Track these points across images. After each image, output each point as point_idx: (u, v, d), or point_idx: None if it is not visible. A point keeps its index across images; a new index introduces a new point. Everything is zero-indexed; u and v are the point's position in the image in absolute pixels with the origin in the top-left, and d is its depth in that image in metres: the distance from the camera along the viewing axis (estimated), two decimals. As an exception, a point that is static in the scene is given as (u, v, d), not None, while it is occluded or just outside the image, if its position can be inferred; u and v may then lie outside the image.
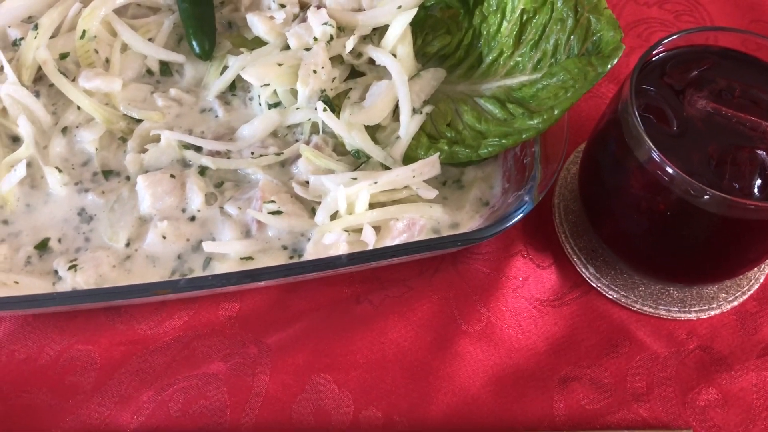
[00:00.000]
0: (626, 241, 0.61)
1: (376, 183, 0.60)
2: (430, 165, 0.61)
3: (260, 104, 0.67)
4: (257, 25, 0.68)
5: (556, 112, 0.58)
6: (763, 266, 0.66)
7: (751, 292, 0.65)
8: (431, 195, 0.61)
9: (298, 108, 0.66)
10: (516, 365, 0.61)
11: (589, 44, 0.60)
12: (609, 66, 0.57)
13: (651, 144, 0.52)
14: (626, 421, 0.59)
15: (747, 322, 0.64)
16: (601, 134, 0.59)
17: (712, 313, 0.64)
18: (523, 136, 0.60)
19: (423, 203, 0.62)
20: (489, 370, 0.61)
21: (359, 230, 0.60)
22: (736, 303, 0.64)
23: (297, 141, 0.66)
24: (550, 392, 0.60)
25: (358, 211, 0.59)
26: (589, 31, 0.60)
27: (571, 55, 0.60)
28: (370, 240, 0.59)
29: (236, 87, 0.70)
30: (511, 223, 0.57)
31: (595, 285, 0.65)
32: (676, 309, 0.63)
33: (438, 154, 0.62)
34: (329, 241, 0.58)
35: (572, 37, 0.60)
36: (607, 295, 0.64)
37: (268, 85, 0.65)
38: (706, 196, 0.51)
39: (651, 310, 0.63)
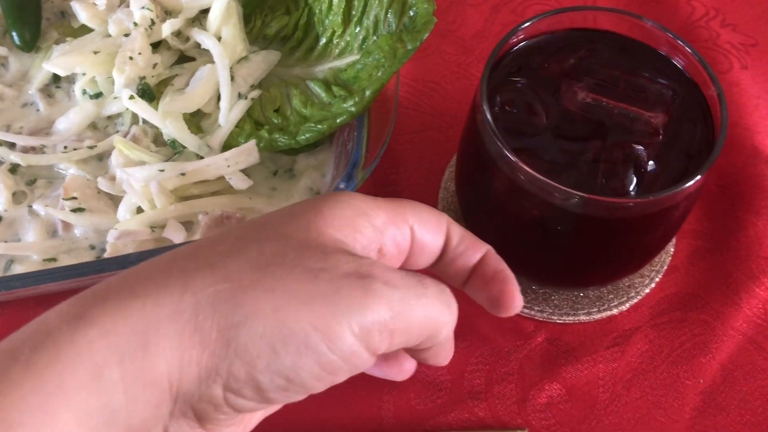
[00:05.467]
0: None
1: (183, 174, 0.55)
2: (246, 153, 0.57)
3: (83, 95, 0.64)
4: (80, 12, 0.64)
5: (368, 93, 0.54)
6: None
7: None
8: (244, 185, 0.57)
9: (115, 97, 0.62)
10: (345, 365, 0.57)
11: (407, 19, 0.55)
12: (419, 42, 0.53)
13: (503, 142, 0.46)
14: (459, 421, 0.55)
15: (601, 311, 0.59)
16: (464, 134, 0.54)
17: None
18: (338, 120, 0.56)
19: (241, 195, 0.57)
20: (316, 372, 0.57)
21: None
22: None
23: (118, 132, 0.62)
24: (379, 393, 0.56)
25: (159, 206, 0.55)
26: (405, 4, 0.55)
27: (390, 31, 0.56)
28: (174, 236, 0.55)
29: (60, 79, 0.66)
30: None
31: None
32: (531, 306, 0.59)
33: (254, 141, 0.58)
34: (121, 238, 0.54)
35: (389, 11, 0.56)
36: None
37: (85, 74, 0.62)
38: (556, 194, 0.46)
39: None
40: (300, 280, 0.31)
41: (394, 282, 0.33)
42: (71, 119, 0.61)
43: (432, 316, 0.36)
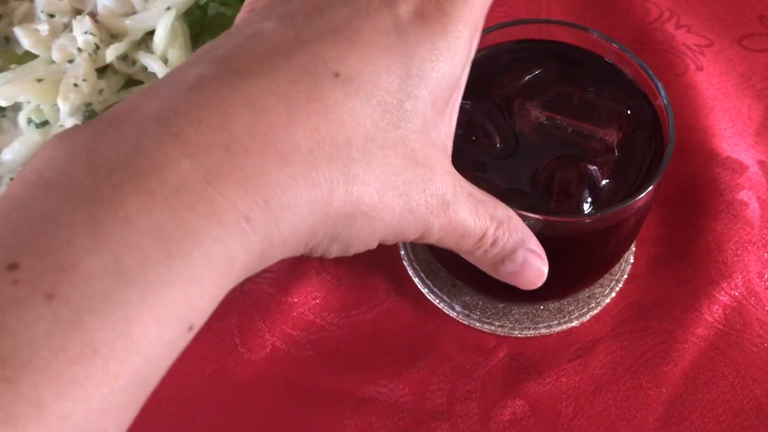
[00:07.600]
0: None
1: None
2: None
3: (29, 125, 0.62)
4: (23, 38, 0.63)
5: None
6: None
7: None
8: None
9: (61, 125, 0.60)
10: (307, 391, 0.56)
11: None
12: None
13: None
14: (422, 443, 0.55)
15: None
16: None
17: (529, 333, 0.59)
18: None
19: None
20: (276, 400, 0.56)
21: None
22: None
23: (66, 162, 0.61)
24: (341, 417, 0.55)
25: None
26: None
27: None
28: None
29: (5, 108, 0.64)
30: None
31: (395, 296, 0.60)
32: (492, 320, 0.59)
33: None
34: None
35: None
36: (415, 304, 0.59)
37: (29, 103, 0.60)
38: None
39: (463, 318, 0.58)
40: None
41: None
42: (17, 150, 0.60)
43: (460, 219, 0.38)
